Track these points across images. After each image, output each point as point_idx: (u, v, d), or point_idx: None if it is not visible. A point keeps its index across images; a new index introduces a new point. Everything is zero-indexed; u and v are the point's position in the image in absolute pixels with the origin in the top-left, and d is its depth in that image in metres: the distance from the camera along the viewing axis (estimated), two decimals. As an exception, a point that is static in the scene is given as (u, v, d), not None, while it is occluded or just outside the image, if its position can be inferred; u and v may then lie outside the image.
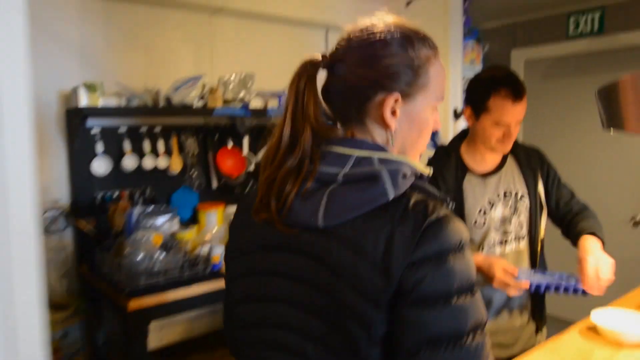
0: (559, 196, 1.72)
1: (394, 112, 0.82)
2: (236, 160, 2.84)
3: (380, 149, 0.81)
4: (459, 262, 0.73)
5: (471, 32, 3.29)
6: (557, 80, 3.75)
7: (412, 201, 0.77)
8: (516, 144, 1.74)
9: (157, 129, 2.59)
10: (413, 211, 0.75)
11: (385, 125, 0.82)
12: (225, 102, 2.66)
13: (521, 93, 1.54)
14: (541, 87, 3.79)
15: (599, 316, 1.48)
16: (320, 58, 0.84)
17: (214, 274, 2.18)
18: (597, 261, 1.45)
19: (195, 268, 2.16)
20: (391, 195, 0.76)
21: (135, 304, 1.92)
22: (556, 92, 3.74)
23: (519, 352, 1.64)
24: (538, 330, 1.72)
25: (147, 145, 2.58)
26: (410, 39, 0.82)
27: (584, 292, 1.43)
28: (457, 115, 3.10)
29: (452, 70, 3.10)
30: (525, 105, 1.58)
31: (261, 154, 3.03)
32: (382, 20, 0.84)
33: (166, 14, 2.66)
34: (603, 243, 1.55)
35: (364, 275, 0.73)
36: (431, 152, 1.77)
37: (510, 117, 1.54)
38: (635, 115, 0.95)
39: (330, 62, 0.84)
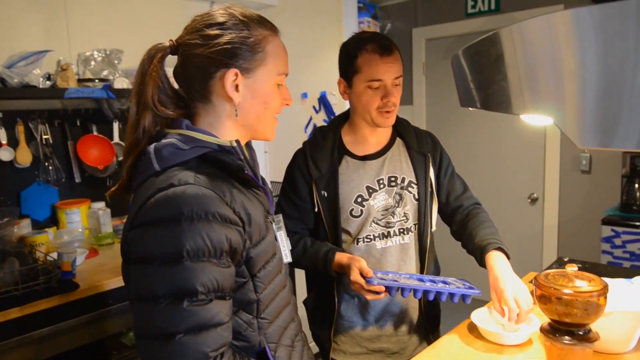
0: (450, 188, 1.55)
1: (236, 87, 0.91)
2: (103, 149, 2.46)
3: (194, 128, 0.91)
4: (166, 232, 0.79)
5: (367, 7, 3.10)
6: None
7: (167, 174, 0.84)
8: (406, 125, 1.55)
9: (-3, 115, 2.17)
10: (158, 181, 0.84)
11: (228, 99, 0.91)
12: (83, 82, 2.27)
13: (389, 47, 1.37)
14: (443, 66, 3.71)
15: (479, 315, 1.33)
16: (167, 44, 0.92)
17: (63, 284, 1.83)
18: (516, 291, 1.24)
19: (38, 280, 1.79)
20: (157, 166, 0.86)
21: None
22: (456, 71, 3.66)
23: (407, 360, 1.47)
24: (431, 332, 1.55)
25: (-18, 134, 2.15)
26: (245, 21, 0.91)
27: (463, 298, 1.25)
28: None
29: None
30: (399, 65, 1.39)
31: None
32: (224, 7, 0.93)
33: (5, -23, 2.21)
34: (509, 257, 1.36)
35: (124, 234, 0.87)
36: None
37: (382, 73, 1.35)
38: (514, 85, 0.76)
39: (177, 46, 0.92)
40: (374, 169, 1.46)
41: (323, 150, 1.44)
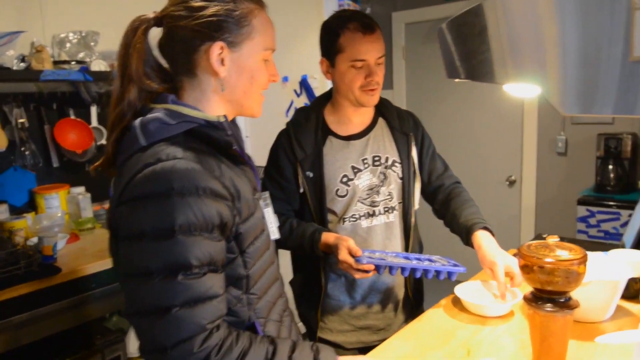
0: (432, 168, 1.57)
1: (222, 61, 0.89)
2: (81, 133, 2.42)
3: (180, 103, 0.90)
4: (156, 206, 0.78)
5: (348, -10, 3.09)
6: (437, 43, 3.70)
7: (154, 149, 0.83)
8: (388, 105, 1.55)
9: (-30, 98, 2.11)
10: (145, 156, 0.83)
11: (214, 73, 0.90)
12: (59, 64, 2.22)
13: (372, 26, 1.37)
14: (422, 50, 3.72)
15: (463, 289, 1.36)
16: (151, 15, 0.90)
17: (45, 268, 1.81)
18: (507, 262, 1.28)
19: (18, 264, 1.76)
20: (143, 141, 0.85)
21: None
22: (436, 54, 3.69)
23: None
24: (413, 315, 1.57)
25: (-44, 118, 2.09)
26: None
27: (449, 276, 1.28)
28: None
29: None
30: (382, 44, 1.39)
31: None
32: None
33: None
34: (494, 235, 1.40)
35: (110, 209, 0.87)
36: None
37: (365, 52, 1.35)
38: (497, 54, 0.78)
39: (160, 18, 0.90)
40: (358, 148, 1.46)
41: (307, 131, 1.44)
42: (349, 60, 1.37)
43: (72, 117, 2.42)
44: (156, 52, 0.94)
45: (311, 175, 1.41)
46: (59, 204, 2.33)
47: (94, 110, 2.50)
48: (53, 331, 1.84)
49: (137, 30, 0.89)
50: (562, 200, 3.26)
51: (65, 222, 2.24)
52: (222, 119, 0.91)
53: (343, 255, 1.26)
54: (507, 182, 3.50)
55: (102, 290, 1.93)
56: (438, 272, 1.26)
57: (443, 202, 1.54)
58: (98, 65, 2.28)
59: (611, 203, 2.76)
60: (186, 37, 0.88)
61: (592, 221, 2.80)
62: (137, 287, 0.79)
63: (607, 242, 2.64)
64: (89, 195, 2.42)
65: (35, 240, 1.89)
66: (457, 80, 0.88)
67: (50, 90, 2.36)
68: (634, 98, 0.64)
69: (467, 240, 1.41)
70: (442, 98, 3.72)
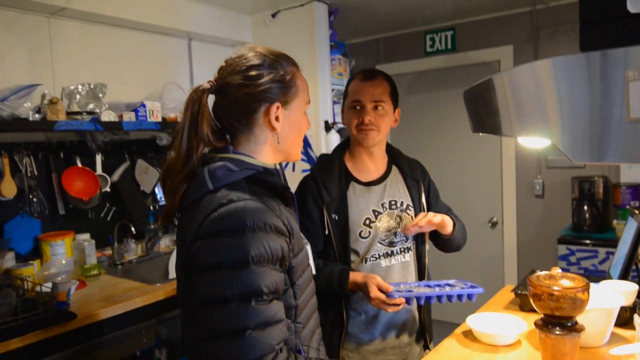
0: (438, 210, 1.71)
1: (277, 118, 1.03)
2: (87, 181, 2.49)
3: (240, 153, 1.04)
4: (232, 241, 0.89)
5: (338, 45, 3.31)
6: (419, 94, 3.94)
7: (223, 192, 0.96)
8: (400, 154, 1.72)
9: (-18, 148, 2.17)
10: (216, 197, 0.95)
11: (271, 129, 1.04)
12: (71, 114, 2.31)
13: (371, 74, 1.59)
14: (404, 100, 3.94)
15: (474, 320, 1.48)
16: (209, 85, 1.03)
17: (61, 314, 1.84)
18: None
19: (35, 311, 1.79)
20: (210, 186, 0.97)
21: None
22: (418, 104, 3.93)
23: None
24: (427, 346, 1.67)
25: (-32, 167, 2.14)
26: (278, 60, 1.05)
27: (469, 297, 1.41)
28: (327, 128, 3.07)
29: (321, 82, 3.06)
30: (381, 91, 1.57)
31: (118, 173, 2.71)
32: (252, 49, 1.06)
33: (-9, 13, 2.25)
34: (454, 225, 1.61)
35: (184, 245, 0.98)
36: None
37: (360, 93, 1.56)
38: (505, 117, 0.93)
39: (218, 87, 1.04)
40: (377, 193, 1.60)
41: (332, 177, 1.57)
42: (350, 102, 1.58)
43: (79, 165, 2.50)
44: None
45: (336, 217, 1.52)
46: (64, 250, 2.37)
47: (99, 158, 2.59)
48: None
49: (201, 99, 1.01)
50: (542, 239, 3.45)
51: (71, 269, 2.28)
52: (278, 167, 1.05)
53: (375, 292, 1.37)
54: (490, 224, 3.68)
55: (115, 335, 1.96)
56: (460, 296, 1.39)
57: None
58: (108, 116, 2.38)
59: (588, 241, 2.95)
60: (246, 101, 1.02)
61: (573, 259, 2.98)
62: (214, 312, 0.88)
63: (592, 276, 2.81)
64: (93, 242, 2.47)
65: (49, 286, 1.92)
66: (481, 134, 1.03)
67: (58, 140, 2.44)
68: (632, 148, 0.80)
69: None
70: (425, 146, 3.93)
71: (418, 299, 1.35)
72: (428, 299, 1.36)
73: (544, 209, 3.47)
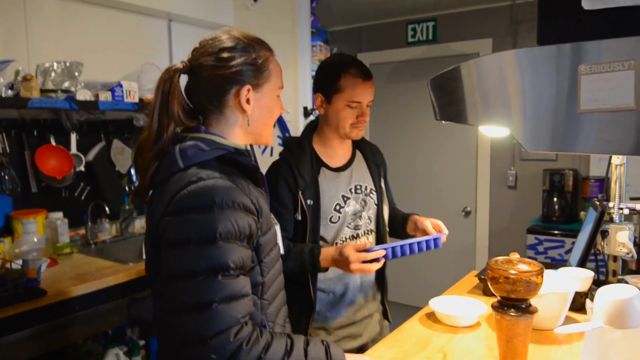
0: (388, 195, 1.79)
1: (247, 100, 1.05)
2: (61, 159, 2.47)
3: (211, 133, 1.06)
4: (200, 217, 0.91)
5: (320, 32, 3.31)
6: (399, 83, 3.98)
7: (193, 170, 0.98)
8: (363, 139, 1.74)
9: (-47, 123, 2.14)
10: (186, 175, 0.97)
11: (242, 111, 1.06)
12: (45, 92, 2.29)
13: (369, 74, 1.58)
14: (385, 89, 3.99)
15: (436, 303, 1.53)
16: (181, 65, 1.05)
17: (30, 291, 1.84)
18: (433, 222, 1.59)
19: (4, 287, 1.79)
20: (181, 164, 0.99)
21: None
22: (398, 93, 3.97)
23: (367, 341, 1.64)
24: (385, 316, 1.75)
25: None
26: (251, 44, 1.07)
27: (435, 244, 1.48)
28: (306, 114, 3.08)
29: (301, 68, 3.07)
30: (374, 90, 1.59)
31: (93, 153, 2.70)
32: (227, 32, 1.08)
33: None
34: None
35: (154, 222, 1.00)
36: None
37: (361, 95, 1.55)
38: (470, 106, 0.97)
39: (190, 67, 1.06)
40: (345, 179, 1.63)
41: (305, 162, 1.58)
42: (346, 101, 1.55)
43: (53, 143, 2.48)
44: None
45: (311, 203, 1.54)
46: (36, 229, 2.36)
47: (73, 137, 2.57)
48: (32, 354, 1.86)
49: (172, 78, 1.03)
50: (513, 229, 3.54)
51: (44, 247, 2.27)
52: (249, 147, 1.08)
53: (354, 254, 1.36)
54: (463, 213, 3.76)
55: (86, 312, 1.97)
56: (428, 243, 1.46)
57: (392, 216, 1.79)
58: (83, 95, 2.36)
59: (556, 232, 3.04)
60: (218, 82, 1.04)
61: (540, 248, 3.07)
62: (181, 286, 0.90)
63: (558, 264, 2.90)
64: (66, 220, 2.46)
65: (20, 263, 1.91)
66: (444, 122, 1.07)
67: (32, 117, 2.42)
68: (581, 139, 0.84)
69: (404, 224, 1.69)
70: (403, 135, 3.98)
71: (394, 250, 1.39)
72: (402, 248, 1.40)
73: (516, 200, 3.56)
